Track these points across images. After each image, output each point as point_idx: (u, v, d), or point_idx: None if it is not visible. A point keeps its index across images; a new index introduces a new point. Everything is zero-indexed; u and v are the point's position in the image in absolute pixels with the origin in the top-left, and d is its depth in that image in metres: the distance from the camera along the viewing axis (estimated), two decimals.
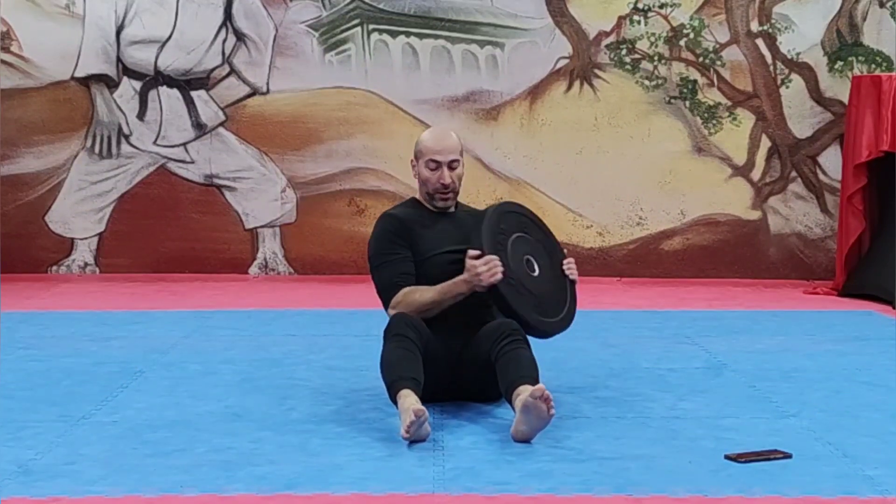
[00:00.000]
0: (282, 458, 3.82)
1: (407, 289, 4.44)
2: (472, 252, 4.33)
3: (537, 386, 3.97)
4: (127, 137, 7.93)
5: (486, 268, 4.27)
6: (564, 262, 4.63)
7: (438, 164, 4.53)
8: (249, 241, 8.04)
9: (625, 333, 6.09)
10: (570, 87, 7.93)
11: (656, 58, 7.91)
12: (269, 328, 6.17)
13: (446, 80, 7.93)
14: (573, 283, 4.64)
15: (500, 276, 4.28)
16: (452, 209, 4.63)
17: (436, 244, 4.52)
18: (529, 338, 4.36)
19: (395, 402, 4.11)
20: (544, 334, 4.50)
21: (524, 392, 4.02)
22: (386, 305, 4.49)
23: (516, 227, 4.55)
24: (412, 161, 4.61)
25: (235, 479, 3.61)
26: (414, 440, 3.95)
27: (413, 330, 4.27)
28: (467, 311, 4.44)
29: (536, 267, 4.51)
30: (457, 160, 4.55)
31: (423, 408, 3.95)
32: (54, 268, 7.99)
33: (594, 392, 4.75)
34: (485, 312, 4.48)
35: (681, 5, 7.89)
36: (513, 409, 4.09)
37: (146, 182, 7.96)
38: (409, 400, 4.01)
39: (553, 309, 4.52)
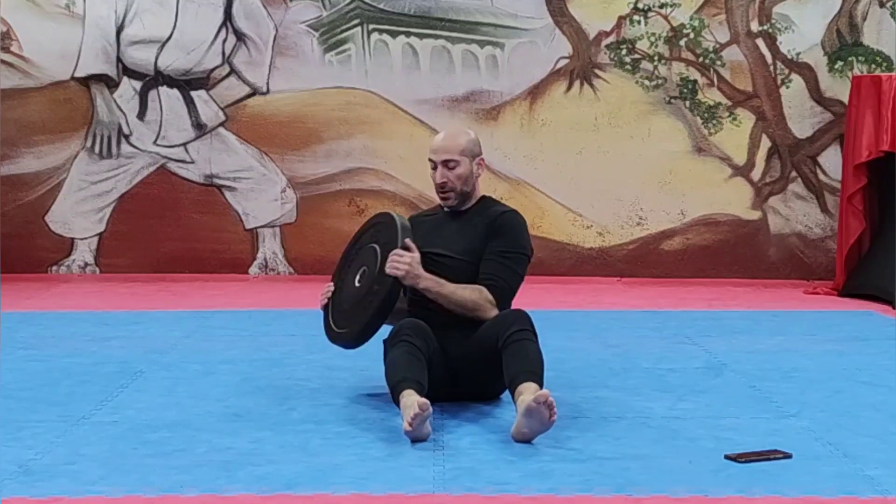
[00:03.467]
0: (282, 458, 3.82)
1: None
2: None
3: (542, 392, 3.96)
4: (127, 137, 7.93)
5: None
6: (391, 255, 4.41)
7: (435, 164, 4.55)
8: (249, 241, 8.04)
9: (625, 333, 6.09)
10: (570, 87, 7.93)
11: (656, 58, 7.91)
12: (269, 328, 6.17)
13: (446, 80, 7.93)
14: (392, 278, 4.38)
15: (323, 301, 4.66)
16: (465, 209, 4.61)
17: (427, 243, 4.53)
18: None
19: (397, 403, 4.11)
20: (338, 343, 4.62)
21: (527, 392, 4.02)
22: None
23: (371, 239, 4.60)
24: None
25: (235, 479, 3.61)
26: (414, 440, 3.95)
27: (419, 337, 4.27)
28: (467, 317, 4.45)
29: (365, 276, 4.52)
30: (453, 160, 4.52)
31: (426, 401, 3.95)
32: (54, 268, 7.99)
33: (594, 392, 4.75)
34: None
35: (681, 5, 7.89)
36: (514, 401, 4.09)
37: (146, 182, 7.96)
38: (413, 398, 4.01)
39: (349, 319, 4.52)
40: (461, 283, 4.45)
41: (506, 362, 4.19)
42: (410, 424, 3.92)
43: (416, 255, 4.40)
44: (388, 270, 4.36)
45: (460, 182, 4.55)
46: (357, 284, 4.52)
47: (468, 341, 4.39)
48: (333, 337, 4.61)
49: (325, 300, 4.64)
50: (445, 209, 4.63)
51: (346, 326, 4.53)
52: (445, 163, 4.52)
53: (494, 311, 4.42)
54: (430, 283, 4.40)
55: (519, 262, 4.54)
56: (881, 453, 3.92)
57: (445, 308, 4.43)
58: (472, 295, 4.42)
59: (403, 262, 4.36)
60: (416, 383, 4.11)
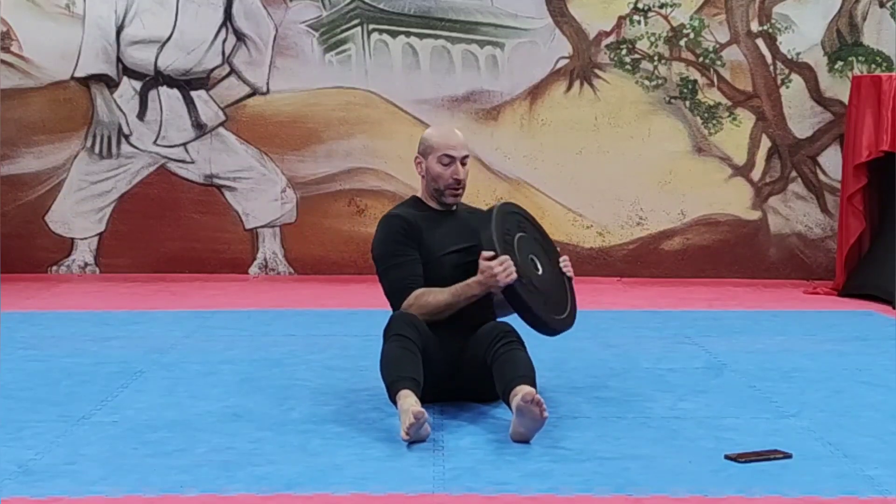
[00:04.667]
0: (282, 458, 3.82)
1: (418, 291, 4.42)
2: (485, 253, 4.32)
3: (527, 390, 3.96)
4: (127, 137, 7.93)
5: (501, 268, 4.27)
6: (560, 259, 4.64)
7: (452, 159, 4.52)
8: (249, 241, 8.04)
9: (625, 333, 6.09)
10: (570, 87, 7.93)
11: (656, 58, 7.91)
12: (269, 328, 6.17)
13: (446, 80, 7.93)
14: (570, 280, 4.66)
15: (514, 276, 4.28)
16: (454, 207, 4.63)
17: (442, 244, 4.52)
18: (524, 337, 4.37)
19: (394, 401, 4.11)
20: (554, 332, 4.50)
21: (519, 393, 4.02)
22: (396, 309, 4.45)
23: (518, 226, 4.55)
24: (417, 159, 4.59)
25: (235, 479, 3.61)
26: (414, 440, 3.95)
27: (413, 329, 4.27)
28: (467, 311, 4.43)
29: (539, 265, 4.51)
30: (467, 156, 4.58)
31: (422, 409, 3.96)
32: (54, 268, 7.99)
33: (594, 392, 4.75)
34: (485, 313, 4.48)
35: (681, 5, 7.89)
36: (510, 408, 4.09)
37: (146, 182, 7.96)
38: (409, 401, 4.01)
39: (559, 306, 4.53)
40: None
41: (497, 376, 4.19)
42: (407, 433, 3.93)
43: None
44: (569, 273, 4.60)
45: (467, 179, 4.60)
46: (539, 272, 4.49)
47: (467, 342, 4.39)
48: (551, 322, 4.44)
49: (516, 275, 4.31)
50: (436, 207, 4.61)
51: (559, 312, 4.51)
52: (463, 159, 4.55)
53: None
54: None
55: None
56: (881, 453, 3.92)
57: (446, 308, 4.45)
58: None
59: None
60: (411, 381, 4.11)
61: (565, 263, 4.63)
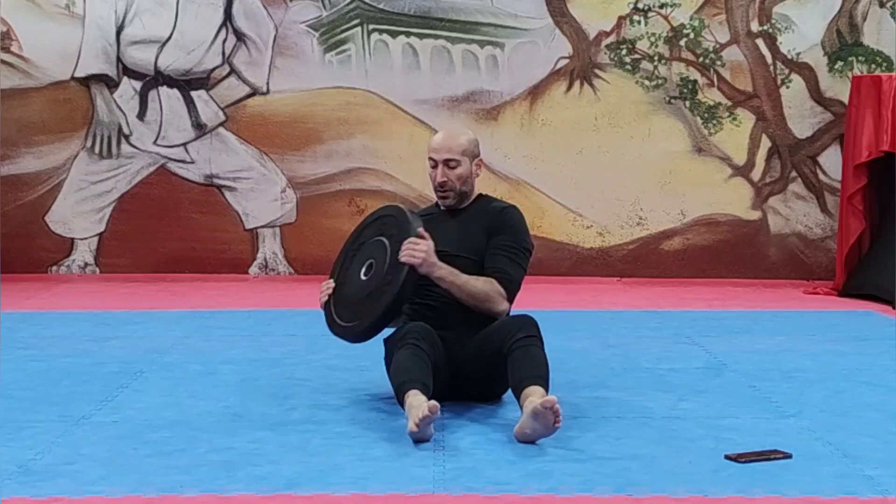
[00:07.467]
0: (282, 458, 3.82)
1: None
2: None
3: (550, 397, 3.95)
4: (127, 137, 7.93)
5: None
6: (404, 243, 4.35)
7: (436, 163, 4.54)
8: (249, 241, 8.04)
9: (625, 333, 6.09)
10: (570, 87, 7.93)
11: (656, 58, 7.91)
12: (269, 328, 6.17)
13: (446, 80, 7.93)
14: (407, 266, 4.32)
15: (324, 298, 4.54)
16: (463, 207, 4.61)
17: (436, 244, 4.51)
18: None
19: (401, 402, 4.10)
20: (346, 339, 4.53)
21: (534, 395, 4.02)
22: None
23: (380, 230, 4.53)
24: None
25: (235, 479, 3.61)
26: (417, 440, 3.95)
27: (426, 341, 4.26)
28: (468, 311, 4.43)
29: (374, 269, 4.44)
30: (454, 160, 4.52)
31: (436, 403, 3.93)
32: (54, 268, 7.99)
33: (594, 392, 4.75)
34: (479, 314, 4.48)
35: (681, 5, 7.90)
36: (519, 403, 4.09)
37: (146, 182, 7.96)
38: (420, 398, 4.00)
39: (359, 312, 4.43)
40: None
41: (512, 366, 4.18)
42: (417, 426, 3.91)
43: (431, 243, 4.35)
44: (403, 259, 4.30)
45: (460, 182, 4.55)
46: (364, 278, 4.45)
47: (471, 342, 4.38)
48: (341, 331, 4.48)
49: (326, 297, 4.54)
50: (442, 207, 4.63)
51: (354, 319, 4.42)
52: (447, 162, 4.52)
53: (505, 304, 4.44)
54: (445, 272, 4.37)
55: (522, 257, 4.53)
56: (881, 453, 3.92)
57: (444, 309, 4.43)
58: (485, 286, 4.41)
59: (420, 249, 4.32)
60: (421, 384, 4.10)
61: (405, 247, 4.33)
